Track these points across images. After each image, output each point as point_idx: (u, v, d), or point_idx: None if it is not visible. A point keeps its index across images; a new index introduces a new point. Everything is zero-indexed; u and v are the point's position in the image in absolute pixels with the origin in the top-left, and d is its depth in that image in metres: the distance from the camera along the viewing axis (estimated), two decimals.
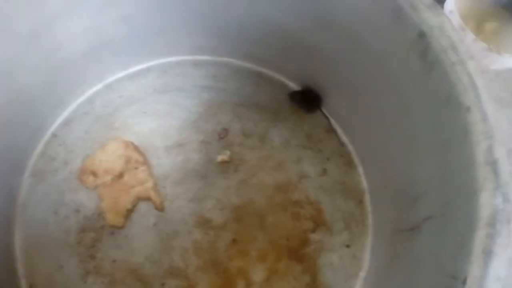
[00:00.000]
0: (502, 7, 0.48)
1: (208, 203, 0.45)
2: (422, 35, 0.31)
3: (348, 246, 0.43)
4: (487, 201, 0.26)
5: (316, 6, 0.38)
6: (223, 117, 0.48)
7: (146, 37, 0.46)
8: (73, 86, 0.47)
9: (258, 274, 0.42)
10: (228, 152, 0.46)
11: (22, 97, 0.41)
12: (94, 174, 0.44)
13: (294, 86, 0.50)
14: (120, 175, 0.44)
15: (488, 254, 0.25)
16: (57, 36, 0.40)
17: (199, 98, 0.49)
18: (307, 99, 0.49)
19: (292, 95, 0.49)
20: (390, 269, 0.37)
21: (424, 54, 0.31)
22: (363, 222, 0.44)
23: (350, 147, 0.47)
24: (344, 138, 0.47)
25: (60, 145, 0.46)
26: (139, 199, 0.44)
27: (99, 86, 0.49)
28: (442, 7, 0.50)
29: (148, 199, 0.44)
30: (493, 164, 0.26)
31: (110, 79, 0.49)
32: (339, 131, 0.48)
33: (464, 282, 0.24)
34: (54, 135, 0.46)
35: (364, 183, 0.45)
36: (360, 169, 0.46)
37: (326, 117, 0.48)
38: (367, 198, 0.45)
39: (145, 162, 0.45)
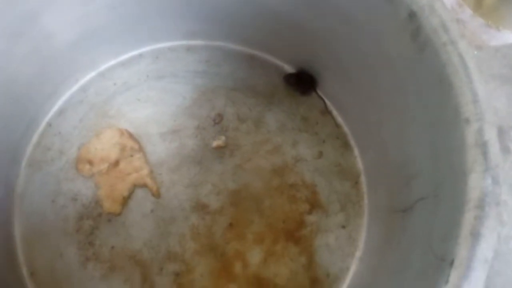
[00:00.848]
0: None
1: (204, 188, 0.45)
2: (412, 14, 0.30)
3: (344, 227, 0.43)
4: (477, 183, 0.26)
5: None
6: (217, 102, 0.48)
7: (136, 23, 0.45)
8: (66, 75, 0.47)
9: (255, 256, 0.42)
10: (223, 137, 0.46)
11: (15, 88, 0.41)
12: (90, 162, 0.44)
13: (288, 68, 0.49)
14: (116, 163, 0.44)
15: (476, 236, 0.25)
16: (46, 26, 0.39)
17: (193, 84, 0.49)
18: (302, 81, 0.48)
19: (286, 77, 0.49)
20: (384, 249, 0.37)
21: (415, 34, 0.31)
22: (359, 203, 0.44)
23: (346, 129, 0.47)
24: (340, 120, 0.47)
25: (55, 134, 0.46)
26: (136, 186, 0.44)
27: (92, 74, 0.49)
28: None
29: (144, 186, 0.44)
30: (483, 146, 0.26)
31: (103, 67, 0.49)
32: (335, 113, 0.47)
33: (451, 264, 0.24)
34: (49, 125, 0.47)
35: (359, 165, 0.45)
36: (356, 151, 0.46)
37: (322, 99, 0.48)
38: (362, 179, 0.45)
39: (141, 149, 0.45)
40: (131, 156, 0.44)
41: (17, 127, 0.44)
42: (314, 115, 0.48)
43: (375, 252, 0.40)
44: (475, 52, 0.52)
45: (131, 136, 0.45)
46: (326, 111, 0.48)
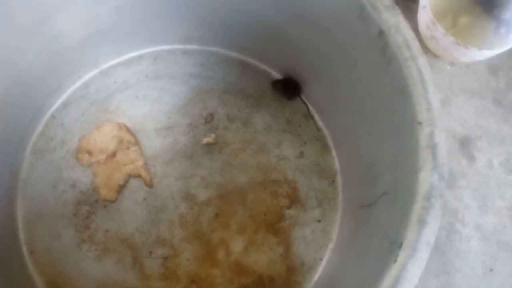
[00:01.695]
0: (475, 3, 0.51)
1: (194, 181, 0.49)
2: (381, 32, 0.35)
3: (319, 221, 0.48)
4: (425, 179, 0.30)
5: (291, 1, 0.41)
6: (209, 102, 0.52)
7: (138, 26, 0.49)
8: (70, 71, 0.50)
9: (237, 244, 0.46)
10: (213, 135, 0.50)
11: (25, 81, 0.45)
12: (90, 153, 0.48)
13: (276, 74, 0.54)
14: (113, 154, 0.48)
15: (422, 223, 0.29)
16: (57, 25, 0.43)
17: (188, 85, 0.53)
18: (288, 87, 0.53)
19: (274, 83, 0.53)
20: (352, 240, 0.41)
21: (383, 49, 0.35)
22: (334, 200, 0.48)
23: (326, 132, 0.51)
24: (321, 124, 0.51)
25: (58, 126, 0.50)
26: (131, 176, 0.48)
27: (94, 72, 0.52)
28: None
29: (138, 176, 0.48)
30: (433, 148, 0.31)
31: (105, 65, 0.52)
32: (316, 117, 0.52)
33: (400, 246, 0.29)
34: (53, 117, 0.50)
35: (337, 165, 0.50)
36: (334, 152, 0.50)
37: (305, 104, 0.52)
38: (339, 178, 0.49)
39: (137, 142, 0.49)
40: (128, 148, 0.48)
41: (24, 117, 0.47)
42: (297, 118, 0.52)
43: (345, 243, 0.44)
44: (448, 67, 0.56)
45: (128, 130, 0.49)
46: (308, 115, 0.52)
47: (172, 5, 0.47)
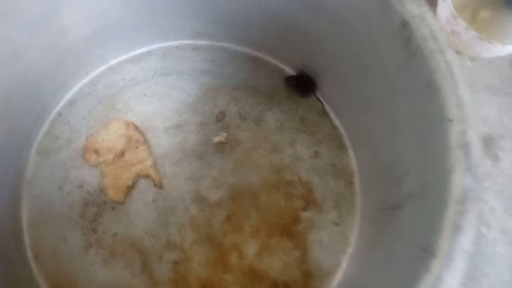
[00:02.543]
0: None
1: (204, 181, 0.47)
2: (405, 23, 0.33)
3: (336, 224, 0.45)
4: (458, 181, 0.28)
5: None
6: (220, 100, 0.50)
7: (146, 20, 0.47)
8: (77, 68, 0.49)
9: (250, 248, 0.44)
10: (224, 134, 0.48)
11: (30, 78, 0.43)
12: (97, 152, 0.46)
13: (289, 70, 0.52)
14: (121, 154, 0.46)
15: (456, 229, 0.27)
16: (62, 21, 0.42)
17: (198, 82, 0.51)
18: (302, 84, 0.51)
19: (287, 79, 0.51)
20: (374, 245, 0.39)
21: (407, 41, 0.33)
22: (352, 202, 0.46)
23: (342, 131, 0.49)
24: (336, 122, 0.49)
25: (64, 124, 0.48)
26: (139, 176, 0.46)
27: (102, 68, 0.51)
28: None
29: (147, 177, 0.46)
30: (465, 147, 0.28)
31: (113, 62, 0.51)
32: (332, 115, 0.50)
33: (432, 254, 0.26)
34: (59, 115, 0.49)
35: (354, 165, 0.47)
36: (351, 152, 0.48)
37: (320, 101, 0.50)
38: (356, 179, 0.47)
39: (145, 141, 0.47)
40: (136, 147, 0.47)
41: (29, 116, 0.46)
42: (312, 116, 0.50)
43: (366, 248, 0.42)
44: (469, 63, 0.54)
45: (137, 128, 0.47)
46: (323, 113, 0.50)
47: None
